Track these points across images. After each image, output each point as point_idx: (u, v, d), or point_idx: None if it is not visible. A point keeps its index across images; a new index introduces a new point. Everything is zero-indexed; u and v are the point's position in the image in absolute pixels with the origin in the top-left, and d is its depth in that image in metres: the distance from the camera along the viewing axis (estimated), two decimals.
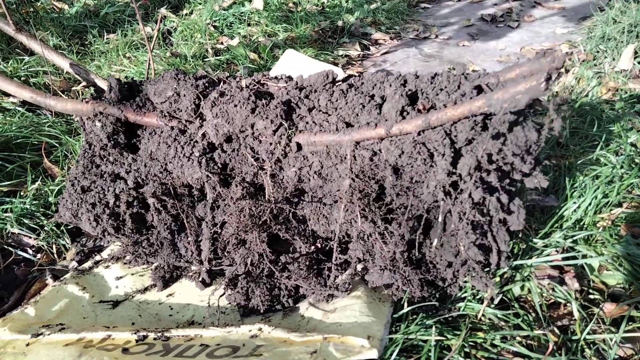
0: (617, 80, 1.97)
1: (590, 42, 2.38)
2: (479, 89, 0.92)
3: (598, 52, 2.31)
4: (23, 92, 1.18)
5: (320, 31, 2.63)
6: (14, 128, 1.60)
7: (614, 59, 2.19)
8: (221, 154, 1.10)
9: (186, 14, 2.95)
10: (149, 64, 1.41)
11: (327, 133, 1.00)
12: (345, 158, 1.00)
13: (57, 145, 1.58)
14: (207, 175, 1.08)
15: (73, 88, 2.08)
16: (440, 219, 0.90)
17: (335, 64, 2.33)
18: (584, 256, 1.04)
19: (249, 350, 0.82)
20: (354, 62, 2.40)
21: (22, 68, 2.04)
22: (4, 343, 0.92)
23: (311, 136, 1.02)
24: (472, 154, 0.85)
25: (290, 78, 1.25)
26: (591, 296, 1.01)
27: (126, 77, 2.12)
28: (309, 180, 1.05)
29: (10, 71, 2.00)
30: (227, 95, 1.08)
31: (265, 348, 0.82)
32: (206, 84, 1.17)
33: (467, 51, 2.52)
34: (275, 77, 1.23)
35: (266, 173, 1.05)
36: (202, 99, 1.14)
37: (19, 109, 1.82)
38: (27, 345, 0.92)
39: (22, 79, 2.03)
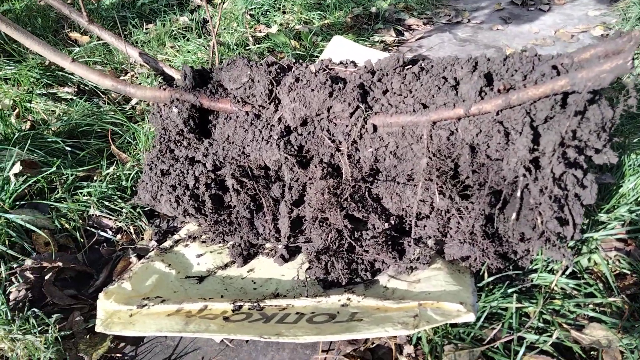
0: None
1: (626, 23, 2.39)
2: (555, 69, 0.96)
3: None
4: (105, 80, 1.24)
5: (355, 18, 2.67)
6: (76, 116, 1.67)
7: None
8: (297, 136, 1.16)
9: (221, 1, 2.99)
10: (214, 50, 1.47)
11: (403, 114, 1.05)
12: (421, 138, 1.05)
13: (119, 132, 1.65)
14: (285, 157, 1.13)
15: (121, 77, 2.14)
16: (518, 194, 0.95)
17: None
18: None
19: (347, 316, 0.88)
20: (390, 48, 2.44)
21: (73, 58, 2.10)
22: (109, 314, 0.99)
23: (387, 118, 1.07)
24: (554, 131, 0.90)
25: (354, 64, 1.30)
26: None
27: (171, 65, 2.18)
28: (384, 160, 1.10)
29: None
30: (302, 80, 1.14)
31: (361, 314, 0.88)
32: (278, 70, 1.22)
33: (501, 35, 2.54)
34: (341, 63, 1.28)
35: (343, 154, 1.11)
36: (275, 84, 1.19)
37: (74, 98, 1.89)
38: (131, 316, 0.99)
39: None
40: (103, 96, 1.99)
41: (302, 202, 1.15)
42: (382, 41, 2.48)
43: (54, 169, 1.36)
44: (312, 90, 1.10)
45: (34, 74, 1.94)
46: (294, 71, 1.20)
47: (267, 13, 2.70)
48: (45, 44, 1.21)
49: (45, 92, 1.91)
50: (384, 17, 2.69)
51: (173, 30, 2.49)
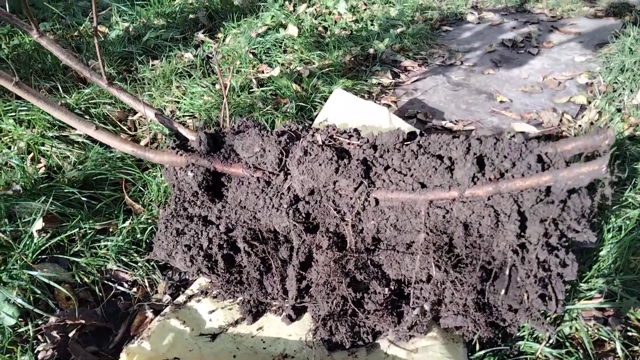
0: (637, 115, 2.12)
1: (609, 73, 2.53)
2: (540, 159, 1.07)
3: (616, 83, 2.46)
4: (126, 146, 1.33)
5: (353, 59, 2.78)
6: (91, 164, 1.75)
7: (631, 91, 2.34)
8: (305, 205, 1.25)
9: (222, 38, 3.09)
10: (225, 111, 1.56)
11: (403, 192, 1.16)
12: (419, 213, 1.15)
13: (131, 180, 1.73)
14: (294, 225, 1.23)
15: (129, 118, 2.22)
16: (507, 273, 1.06)
17: (370, 93, 2.48)
18: (621, 298, 1.20)
19: None
20: (387, 91, 2.55)
21: (84, 99, 2.19)
22: None
23: (388, 193, 1.17)
24: (539, 217, 1.01)
25: (357, 132, 1.41)
26: (630, 333, 1.17)
27: (179, 108, 2.27)
28: (385, 231, 1.20)
29: (73, 102, 2.15)
30: (310, 154, 1.24)
31: None
32: (287, 140, 1.32)
33: (492, 79, 2.67)
34: (345, 132, 1.39)
35: (347, 224, 1.21)
36: (284, 153, 1.29)
37: (86, 141, 1.97)
38: None
39: (83, 109, 2.17)
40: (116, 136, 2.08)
41: (309, 265, 1.25)
42: (379, 83, 2.59)
43: (73, 223, 1.44)
44: (320, 164, 1.20)
45: (46, 116, 2.02)
46: (302, 142, 1.29)
47: (269, 51, 2.81)
48: (70, 113, 1.30)
49: (57, 134, 1.99)
50: (381, 58, 2.81)
51: (178, 68, 2.58)
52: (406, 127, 1.89)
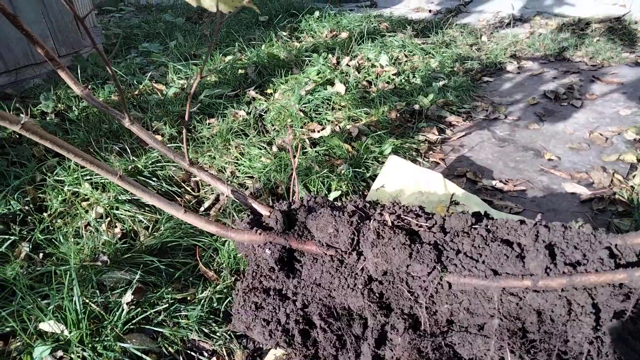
0: None
1: None
2: (610, 252, 1.12)
3: None
4: (210, 227, 1.44)
5: (399, 114, 2.89)
6: (166, 232, 1.88)
7: None
8: (378, 285, 1.33)
9: (271, 94, 3.25)
10: (295, 187, 1.67)
11: (475, 277, 1.22)
12: (492, 299, 1.22)
13: (203, 246, 1.85)
14: (369, 304, 1.31)
15: (192, 179, 2.37)
16: None
17: (418, 151, 2.57)
18: None
19: None
20: (435, 147, 2.63)
21: (151, 162, 2.35)
22: None
23: (461, 278, 1.24)
24: (612, 312, 1.06)
25: (422, 210, 1.48)
26: None
27: (238, 169, 2.40)
28: (458, 314, 1.26)
29: (142, 166, 2.30)
30: (383, 237, 1.32)
31: None
32: (358, 220, 1.41)
33: (537, 135, 2.72)
34: (412, 211, 1.47)
35: (421, 306, 1.27)
36: (356, 233, 1.38)
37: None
38: None
39: (151, 171, 2.32)
40: (179, 199, 2.22)
41: (383, 342, 1.32)
42: (426, 140, 2.68)
43: (158, 294, 1.55)
44: (393, 249, 1.28)
45: (119, 181, 2.17)
46: (373, 223, 1.38)
47: (319, 108, 2.94)
48: (161, 198, 1.42)
49: (130, 197, 2.13)
50: (427, 114, 2.90)
51: (234, 127, 2.74)
52: (460, 191, 1.96)
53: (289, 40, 4.31)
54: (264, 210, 1.61)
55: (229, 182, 1.70)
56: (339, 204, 1.69)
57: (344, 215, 1.41)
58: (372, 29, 4.49)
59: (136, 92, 3.19)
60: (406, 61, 3.73)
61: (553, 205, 2.11)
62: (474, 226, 1.33)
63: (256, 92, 3.25)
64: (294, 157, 1.65)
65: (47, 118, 2.74)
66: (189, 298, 1.62)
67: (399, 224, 1.39)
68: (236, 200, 1.65)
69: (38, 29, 3.22)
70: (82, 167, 2.27)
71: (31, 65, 3.26)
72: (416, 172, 1.99)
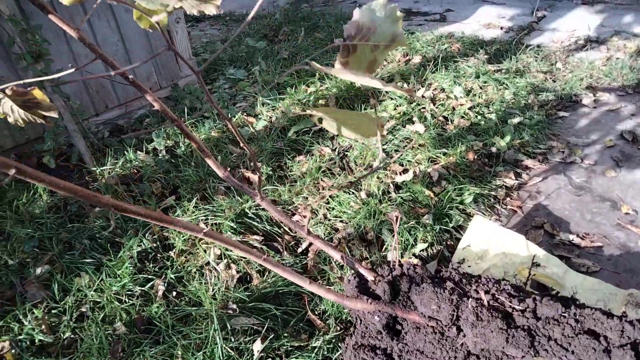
0: None
1: None
2: None
3: None
4: (329, 295, 1.72)
5: (475, 156, 3.05)
6: (278, 278, 2.18)
7: None
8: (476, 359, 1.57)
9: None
10: (396, 253, 1.92)
11: None
12: None
13: (310, 295, 2.14)
14: None
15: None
16: None
17: (495, 197, 2.74)
18: None
19: None
20: (511, 193, 2.79)
21: (255, 205, 2.66)
22: None
23: None
24: None
25: (515, 289, 1.69)
26: None
27: (329, 211, 2.67)
28: None
29: (247, 208, 2.62)
30: (482, 319, 1.55)
31: None
32: (457, 298, 1.64)
33: (614, 183, 2.81)
34: (504, 290, 1.68)
35: None
36: (456, 310, 1.61)
37: (264, 247, 2.42)
38: None
39: (254, 212, 2.64)
40: (279, 239, 2.52)
41: None
42: (503, 185, 2.84)
43: (281, 343, 1.86)
44: (491, 332, 1.50)
45: (231, 223, 2.51)
46: (471, 303, 1.61)
47: (399, 148, 3.15)
48: (289, 269, 1.71)
49: (239, 239, 2.46)
50: (503, 158, 3.05)
51: (322, 167, 3.00)
52: (541, 253, 2.13)
53: None
54: (368, 275, 1.86)
55: (337, 248, 1.96)
56: (435, 266, 1.92)
57: (445, 292, 1.65)
58: (445, 53, 4.60)
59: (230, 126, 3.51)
60: (480, 92, 3.84)
61: (630, 265, 2.24)
62: (563, 314, 1.53)
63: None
64: (394, 233, 1.90)
65: (160, 155, 3.12)
66: (302, 344, 1.91)
67: (494, 304, 1.61)
68: (344, 263, 1.92)
69: (146, 67, 3.61)
70: (198, 209, 2.62)
71: (138, 97, 3.66)
72: (499, 233, 2.18)
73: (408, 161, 3.03)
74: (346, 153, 3.21)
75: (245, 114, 3.69)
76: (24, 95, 1.19)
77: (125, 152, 3.11)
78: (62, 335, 2.00)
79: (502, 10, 6.04)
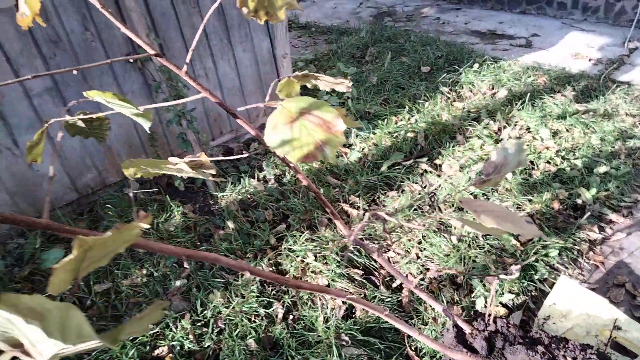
0: None
1: None
2: None
3: None
4: (434, 344, 2.06)
5: (560, 205, 3.24)
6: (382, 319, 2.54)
7: None
8: None
9: (439, 165, 3.76)
10: (490, 307, 2.21)
11: None
12: None
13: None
14: None
15: (385, 252, 3.00)
16: None
17: (579, 251, 2.94)
18: None
19: None
20: (594, 248, 2.98)
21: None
22: None
23: None
24: None
25: (601, 357, 1.95)
26: None
27: (422, 251, 2.98)
28: None
29: (336, 250, 2.98)
30: None
31: None
32: None
33: None
34: (589, 359, 1.94)
35: None
36: None
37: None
38: None
39: (354, 246, 3.00)
40: (375, 272, 2.87)
41: None
42: (587, 238, 3.02)
43: None
44: None
45: (334, 255, 2.88)
46: None
47: (486, 194, 3.40)
48: (403, 322, 2.06)
49: (345, 272, 2.83)
50: (588, 210, 3.22)
51: (413, 204, 3.31)
52: (622, 317, 2.35)
53: (449, 95, 4.73)
54: (466, 327, 2.18)
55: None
56: (520, 316, 2.21)
57: (536, 356, 1.93)
58: (531, 87, 4.72)
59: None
60: (566, 136, 3.97)
61: None
62: None
63: (427, 163, 3.77)
64: (490, 294, 2.19)
65: (269, 183, 3.55)
66: None
67: None
68: (446, 316, 2.25)
69: (256, 96, 4.05)
70: (306, 240, 3.02)
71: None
72: (583, 295, 2.41)
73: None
74: (435, 192, 3.49)
75: (342, 146, 4.05)
76: (195, 161, 1.60)
77: (241, 179, 3.57)
78: (205, 344, 2.47)
79: (592, 38, 5.99)
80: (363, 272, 2.85)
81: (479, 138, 3.95)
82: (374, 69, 5.40)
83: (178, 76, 3.13)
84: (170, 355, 2.40)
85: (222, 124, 3.93)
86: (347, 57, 5.84)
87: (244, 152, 3.99)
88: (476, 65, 5.13)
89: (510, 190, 3.38)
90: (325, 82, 1.51)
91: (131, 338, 2.48)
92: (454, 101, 4.64)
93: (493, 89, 4.79)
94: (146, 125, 1.29)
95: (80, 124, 1.38)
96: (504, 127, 4.13)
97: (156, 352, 2.43)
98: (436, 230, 3.08)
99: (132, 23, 2.91)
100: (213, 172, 1.70)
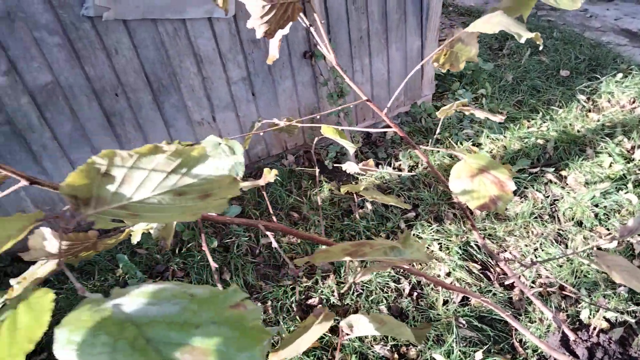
0: None
1: None
2: None
3: None
4: (542, 344, 2.51)
5: None
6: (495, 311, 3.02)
7: None
8: None
9: (565, 177, 3.99)
10: (597, 331, 2.60)
11: None
12: None
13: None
14: None
15: (501, 256, 3.43)
16: None
17: None
18: None
19: None
20: None
21: (473, 240, 3.47)
22: None
23: None
24: None
25: None
26: None
27: (536, 257, 3.35)
28: None
29: (471, 238, 3.44)
30: None
31: None
32: None
33: None
34: None
35: None
36: None
37: None
38: None
39: (471, 245, 3.45)
40: (491, 269, 3.32)
41: None
42: None
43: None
44: None
45: (456, 249, 3.37)
46: None
47: (607, 215, 3.61)
48: (520, 324, 2.53)
49: (464, 265, 3.31)
50: None
51: (534, 212, 3.64)
52: None
53: (585, 105, 4.79)
54: (570, 334, 2.59)
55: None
56: (621, 332, 2.58)
57: None
58: None
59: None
60: None
61: None
62: None
63: (553, 174, 4.02)
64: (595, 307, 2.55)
65: (403, 173, 4.07)
66: None
67: None
68: (555, 323, 2.67)
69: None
70: (433, 230, 3.53)
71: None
72: None
73: (615, 228, 3.50)
74: (556, 201, 3.77)
75: (470, 141, 4.41)
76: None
77: (379, 165, 4.12)
78: (345, 302, 3.15)
79: None
80: (480, 267, 3.31)
81: (610, 155, 4.08)
82: (510, 64, 5.52)
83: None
84: (320, 305, 3.11)
85: (365, 112, 4.46)
86: (484, 48, 5.98)
87: (381, 138, 4.52)
88: (619, 75, 5.06)
89: (633, 214, 3.56)
90: (480, 113, 1.95)
91: (290, 287, 3.23)
92: (589, 111, 4.71)
93: (634, 102, 4.75)
94: (351, 149, 1.84)
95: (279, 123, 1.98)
96: (639, 147, 4.18)
97: (309, 301, 3.16)
98: (553, 241, 3.42)
99: (316, 26, 3.48)
100: (374, 167, 2.26)
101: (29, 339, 0.47)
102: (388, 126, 4.56)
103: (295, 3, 1.54)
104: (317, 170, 2.52)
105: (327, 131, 1.85)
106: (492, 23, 1.46)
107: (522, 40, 1.29)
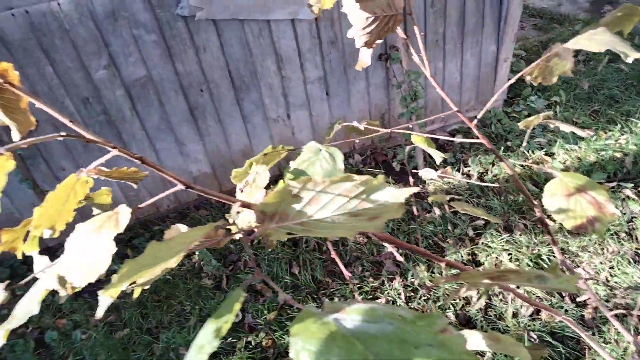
0: None
1: None
2: None
3: None
4: None
5: None
6: (568, 329, 2.96)
7: None
8: None
9: None
10: None
11: None
12: None
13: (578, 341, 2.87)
14: None
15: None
16: None
17: None
18: None
19: None
20: None
21: (547, 251, 3.40)
22: None
23: None
24: None
25: None
26: None
27: (612, 275, 3.25)
28: None
29: (543, 253, 3.37)
30: None
31: None
32: None
33: None
34: None
35: None
36: None
37: None
38: None
39: (545, 259, 3.38)
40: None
41: None
42: None
43: None
44: None
45: (527, 261, 3.31)
46: None
47: None
48: (597, 343, 2.47)
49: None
50: None
51: (610, 229, 3.51)
52: None
53: None
54: None
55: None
56: None
57: None
58: None
59: (529, 160, 4.19)
60: None
61: None
62: None
63: (631, 190, 3.85)
64: None
65: (471, 179, 4.02)
66: None
67: None
68: (636, 347, 2.59)
69: (469, 93, 4.44)
70: (503, 240, 3.48)
71: (455, 116, 4.55)
72: None
73: None
74: (634, 219, 3.62)
75: (543, 150, 4.29)
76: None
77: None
78: (412, 305, 3.17)
79: None
80: None
81: None
82: (586, 72, 5.31)
83: (417, 79, 3.67)
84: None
85: (435, 114, 4.43)
86: None
87: (449, 143, 4.48)
88: None
89: None
90: (566, 127, 1.91)
91: (357, 285, 3.29)
92: None
93: None
94: (439, 159, 1.86)
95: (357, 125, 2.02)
96: None
97: (377, 300, 3.20)
98: (630, 260, 3.30)
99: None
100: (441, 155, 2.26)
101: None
102: (455, 131, 4.52)
103: (397, 15, 1.58)
104: (383, 172, 2.54)
105: (417, 140, 1.88)
106: (596, 41, 1.44)
107: (629, 60, 1.26)
